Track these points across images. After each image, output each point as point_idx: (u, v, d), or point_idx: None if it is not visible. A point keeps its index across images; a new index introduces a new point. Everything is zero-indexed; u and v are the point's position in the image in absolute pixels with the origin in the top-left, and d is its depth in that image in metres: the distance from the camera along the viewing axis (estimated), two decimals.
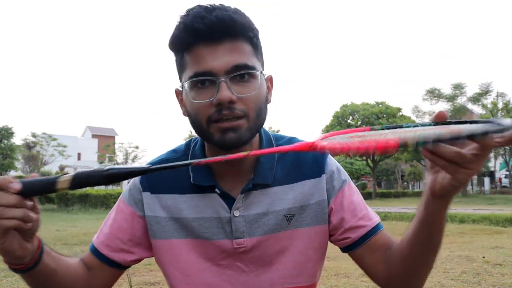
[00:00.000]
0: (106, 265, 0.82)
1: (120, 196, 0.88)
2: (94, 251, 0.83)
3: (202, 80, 0.71)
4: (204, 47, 0.71)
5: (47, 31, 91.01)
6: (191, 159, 0.82)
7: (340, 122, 25.77)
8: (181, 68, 0.76)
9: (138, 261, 0.86)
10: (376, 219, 0.82)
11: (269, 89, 0.81)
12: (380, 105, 25.04)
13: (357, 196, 0.83)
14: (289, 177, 0.81)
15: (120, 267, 0.84)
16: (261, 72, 0.76)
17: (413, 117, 25.22)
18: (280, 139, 0.87)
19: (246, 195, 0.79)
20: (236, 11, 0.73)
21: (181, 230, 0.81)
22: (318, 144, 0.54)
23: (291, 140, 0.87)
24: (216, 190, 0.79)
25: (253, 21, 0.75)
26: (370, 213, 0.82)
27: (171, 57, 0.80)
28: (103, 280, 0.83)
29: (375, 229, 0.80)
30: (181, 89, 0.78)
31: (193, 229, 0.80)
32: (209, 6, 0.72)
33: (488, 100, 24.60)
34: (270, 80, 0.82)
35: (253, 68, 0.73)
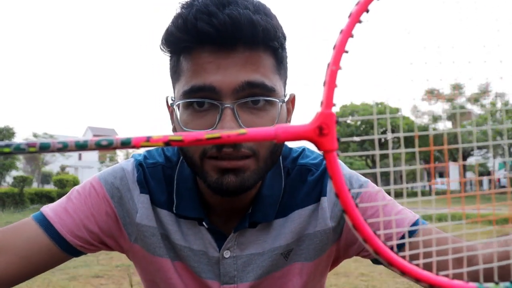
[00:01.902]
0: (62, 251, 0.64)
1: (96, 178, 0.68)
2: (53, 232, 0.63)
3: (200, 101, 0.54)
4: (208, 54, 0.53)
5: (49, 31, 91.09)
6: (177, 179, 0.66)
7: (339, 122, 25.79)
8: (175, 74, 0.59)
9: (98, 250, 0.71)
10: (413, 216, 0.63)
11: (289, 112, 0.63)
12: (379, 105, 25.07)
13: (382, 198, 0.65)
14: (287, 207, 0.66)
15: (75, 254, 0.66)
16: (283, 100, 0.57)
17: (413, 117, 25.29)
18: (287, 157, 0.69)
19: (241, 233, 0.65)
20: (258, 9, 0.53)
21: (173, 254, 0.67)
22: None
23: (297, 158, 0.69)
24: (204, 224, 0.64)
25: (280, 24, 0.57)
26: (403, 211, 0.64)
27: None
28: (44, 264, 0.63)
29: (412, 231, 0.61)
30: (172, 101, 0.60)
31: (183, 257, 0.67)
32: None
33: (487, 101, 24.64)
34: (292, 100, 0.65)
35: (271, 89, 0.55)
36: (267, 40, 0.54)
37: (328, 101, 0.31)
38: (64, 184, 15.06)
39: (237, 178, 0.54)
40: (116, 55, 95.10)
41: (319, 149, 0.31)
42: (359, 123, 25.12)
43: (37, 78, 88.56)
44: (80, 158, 44.40)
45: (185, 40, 0.54)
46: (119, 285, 3.63)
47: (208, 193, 0.64)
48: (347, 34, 0.32)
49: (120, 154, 32.61)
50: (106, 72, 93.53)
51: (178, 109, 0.58)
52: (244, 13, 0.51)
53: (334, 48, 0.32)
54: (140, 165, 0.68)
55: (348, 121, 25.49)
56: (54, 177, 16.09)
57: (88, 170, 39.78)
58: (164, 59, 0.63)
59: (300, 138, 0.31)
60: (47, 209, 0.66)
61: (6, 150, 0.30)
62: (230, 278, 0.65)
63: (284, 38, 0.58)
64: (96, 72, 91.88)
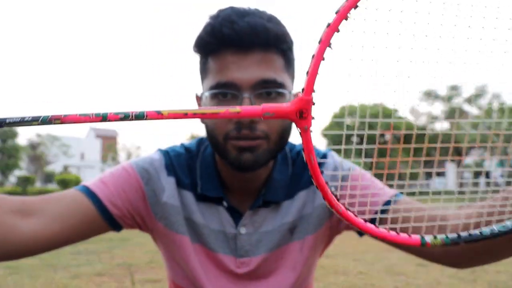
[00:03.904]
0: (102, 217, 0.69)
1: (126, 163, 0.77)
2: (93, 196, 0.68)
3: (224, 92, 0.65)
4: (231, 55, 0.64)
5: (51, 31, 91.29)
6: (200, 165, 0.77)
7: (338, 123, 25.81)
8: (203, 72, 0.70)
9: (132, 228, 0.77)
10: (393, 192, 0.71)
11: None
12: (378, 106, 25.02)
13: (367, 178, 0.74)
14: (293, 190, 0.77)
15: (113, 225, 0.72)
16: (290, 92, 0.68)
17: (412, 117, 25.13)
18: (292, 149, 0.80)
19: (255, 212, 0.74)
20: (271, 19, 0.66)
21: (192, 233, 0.76)
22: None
23: (300, 150, 0.80)
24: (224, 203, 0.74)
25: (289, 32, 0.68)
26: (385, 188, 0.72)
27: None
28: (82, 229, 0.67)
29: (389, 200, 0.69)
30: (201, 96, 0.72)
31: (201, 236, 0.75)
32: (242, 10, 0.65)
33: (484, 101, 24.56)
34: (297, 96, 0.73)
35: (281, 85, 0.66)
36: (278, 44, 0.65)
37: (308, 88, 0.36)
38: (67, 184, 15.15)
39: (252, 155, 0.65)
40: (117, 55, 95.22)
41: (297, 126, 0.38)
42: (357, 124, 25.02)
43: (39, 79, 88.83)
44: (82, 158, 44.52)
45: (212, 43, 0.65)
46: (121, 283, 3.66)
47: (227, 176, 0.74)
48: (333, 28, 0.36)
49: (122, 155, 32.72)
50: (107, 72, 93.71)
51: (206, 101, 0.68)
52: (260, 21, 0.63)
53: (319, 41, 0.36)
54: (166, 153, 0.78)
55: (348, 123, 25.37)
56: (57, 177, 16.17)
57: (90, 170, 39.87)
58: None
59: (283, 116, 0.37)
60: (85, 183, 0.72)
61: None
62: (245, 252, 0.75)
63: (292, 43, 0.68)
64: (98, 73, 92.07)
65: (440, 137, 0.44)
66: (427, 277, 3.85)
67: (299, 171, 0.78)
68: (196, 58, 0.73)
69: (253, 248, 0.75)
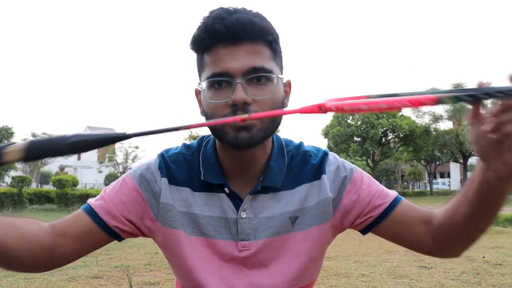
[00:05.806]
0: (100, 230, 0.79)
1: (127, 173, 0.86)
2: (93, 214, 0.79)
3: (219, 81, 0.73)
4: (223, 48, 0.72)
5: (48, 30, 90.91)
6: (202, 157, 0.84)
7: (340, 122, 25.80)
8: (200, 68, 0.78)
9: (132, 236, 0.84)
10: (393, 193, 0.83)
11: (287, 93, 0.83)
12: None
13: (368, 179, 0.85)
14: (294, 182, 0.83)
15: (112, 235, 0.81)
16: (278, 76, 0.76)
17: (413, 117, 25.24)
18: (289, 145, 0.88)
19: (254, 197, 0.81)
20: (257, 14, 0.74)
21: (189, 226, 0.81)
22: (327, 104, 0.56)
23: (299, 146, 0.88)
24: (225, 189, 0.80)
25: (273, 26, 0.76)
26: (386, 190, 0.84)
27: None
28: (90, 245, 0.79)
29: (395, 202, 0.81)
30: (200, 89, 0.79)
31: (200, 226, 0.80)
32: (231, 8, 0.73)
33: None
34: (288, 84, 0.83)
35: (270, 71, 0.74)
36: (264, 36, 0.74)
37: None
38: (63, 184, 15.01)
39: (248, 133, 0.72)
40: (115, 55, 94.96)
41: None
42: (359, 122, 25.02)
43: (35, 78, 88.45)
44: (79, 158, 44.31)
45: (206, 38, 0.73)
46: (118, 286, 3.61)
47: (227, 163, 0.82)
48: None
49: (120, 154, 32.57)
50: (104, 71, 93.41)
51: (204, 91, 0.76)
52: (246, 17, 0.72)
53: None
54: (161, 155, 0.86)
55: (349, 121, 25.37)
56: (53, 177, 16.03)
57: (87, 170, 39.68)
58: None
59: None
60: (90, 199, 0.83)
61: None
62: (246, 235, 0.80)
63: (277, 36, 0.77)
64: (95, 72, 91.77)
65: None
66: (430, 279, 3.80)
67: (300, 165, 0.85)
68: (193, 57, 0.80)
69: (253, 232, 0.80)
